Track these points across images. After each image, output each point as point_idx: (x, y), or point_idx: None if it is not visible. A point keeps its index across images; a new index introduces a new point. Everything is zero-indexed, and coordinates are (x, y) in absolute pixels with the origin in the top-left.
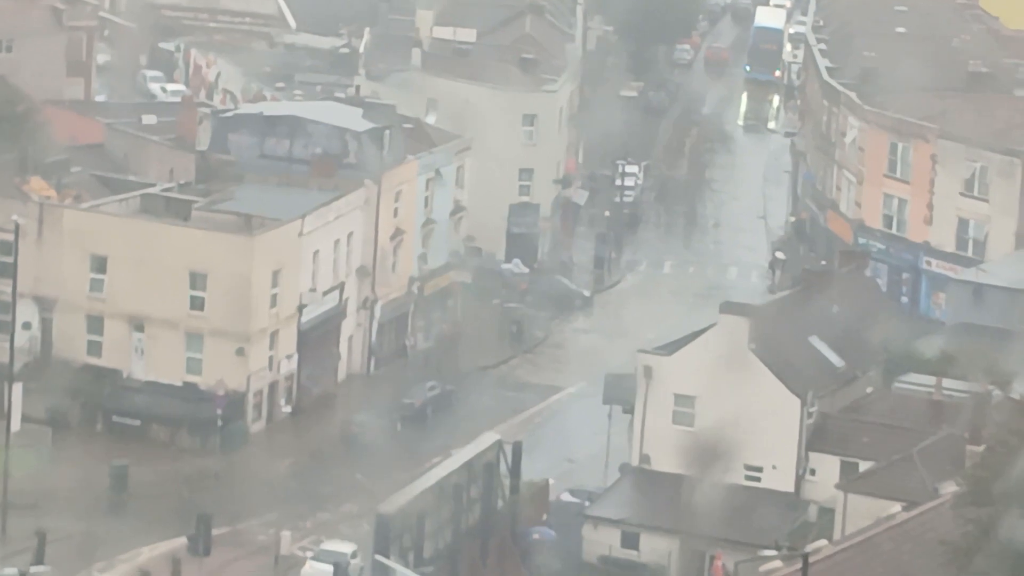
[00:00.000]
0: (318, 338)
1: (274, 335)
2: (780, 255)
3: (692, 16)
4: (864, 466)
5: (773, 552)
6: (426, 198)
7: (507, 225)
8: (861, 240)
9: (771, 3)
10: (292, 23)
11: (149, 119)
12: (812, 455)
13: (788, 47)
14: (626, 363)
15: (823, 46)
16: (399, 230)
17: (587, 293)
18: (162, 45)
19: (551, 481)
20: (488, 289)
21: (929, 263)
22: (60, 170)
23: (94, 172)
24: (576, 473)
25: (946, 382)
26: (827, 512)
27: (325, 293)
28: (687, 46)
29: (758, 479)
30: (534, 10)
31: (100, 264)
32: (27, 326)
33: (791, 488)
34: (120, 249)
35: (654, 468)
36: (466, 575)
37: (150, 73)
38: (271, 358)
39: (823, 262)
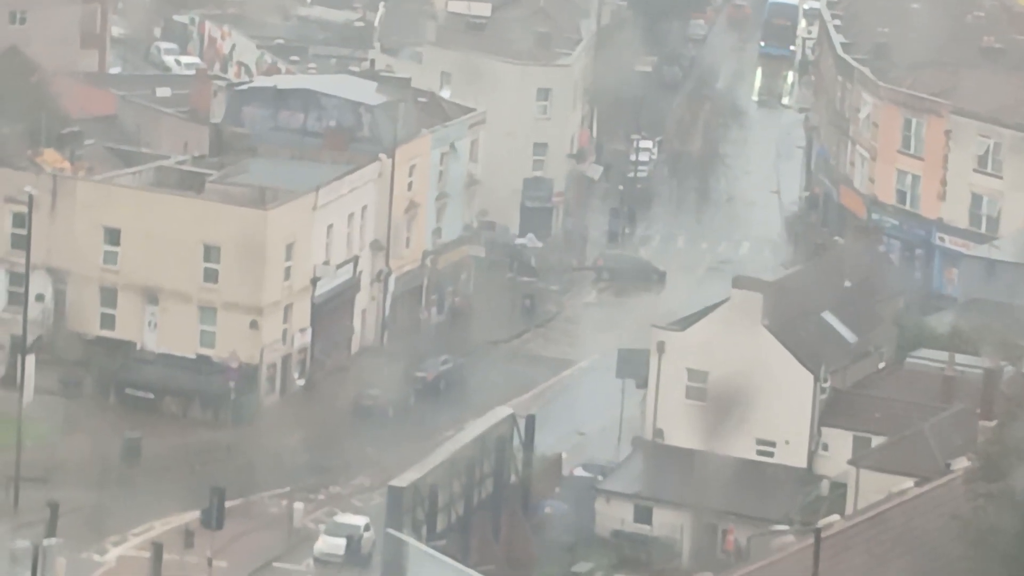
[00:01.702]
0: (332, 311)
1: (287, 308)
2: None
3: None
4: (876, 441)
5: (785, 527)
6: (440, 172)
7: (521, 199)
8: (874, 216)
9: None
10: None
11: (163, 91)
12: (825, 430)
13: (803, 22)
14: (639, 338)
15: (838, 22)
16: (413, 204)
17: (662, 268)
18: (176, 17)
19: (564, 455)
20: (502, 263)
21: (942, 239)
22: (73, 142)
23: (107, 144)
24: (589, 447)
25: (958, 357)
26: (839, 487)
27: (339, 266)
28: (701, 21)
29: (771, 454)
30: None
31: (113, 236)
32: (40, 298)
33: (803, 463)
34: (133, 221)
35: (667, 442)
36: (478, 549)
37: (164, 45)
38: (284, 331)
39: (836, 237)
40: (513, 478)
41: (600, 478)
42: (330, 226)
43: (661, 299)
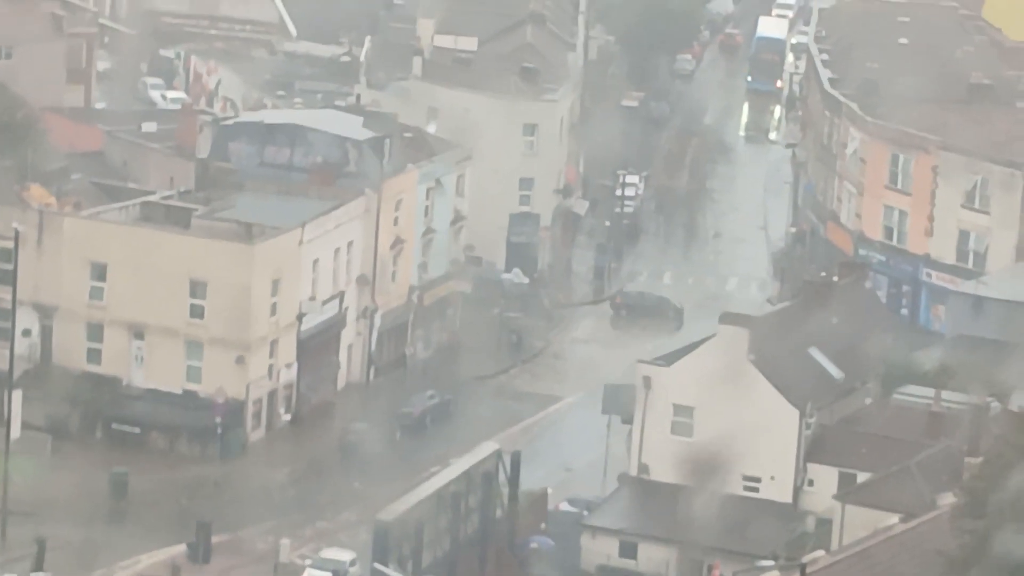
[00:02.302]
0: (317, 347)
1: (274, 343)
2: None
3: (694, 26)
4: (862, 477)
5: (771, 563)
6: (426, 207)
7: (507, 235)
8: (861, 251)
9: (773, 13)
10: (293, 31)
11: (149, 126)
12: (810, 466)
13: (790, 57)
14: (625, 374)
15: (825, 56)
16: (399, 239)
17: (679, 305)
18: (163, 52)
19: (549, 490)
20: (488, 299)
21: (929, 275)
22: (60, 177)
23: (94, 179)
24: (574, 482)
25: (945, 394)
26: (825, 523)
27: (325, 302)
28: (688, 56)
29: (756, 490)
30: (535, 19)
31: (100, 272)
32: (27, 333)
33: (789, 499)
34: (120, 257)
35: (653, 478)
36: None
37: (150, 80)
38: (271, 366)
39: (823, 273)
40: (499, 513)
41: (586, 513)
42: (316, 261)
43: (651, 335)
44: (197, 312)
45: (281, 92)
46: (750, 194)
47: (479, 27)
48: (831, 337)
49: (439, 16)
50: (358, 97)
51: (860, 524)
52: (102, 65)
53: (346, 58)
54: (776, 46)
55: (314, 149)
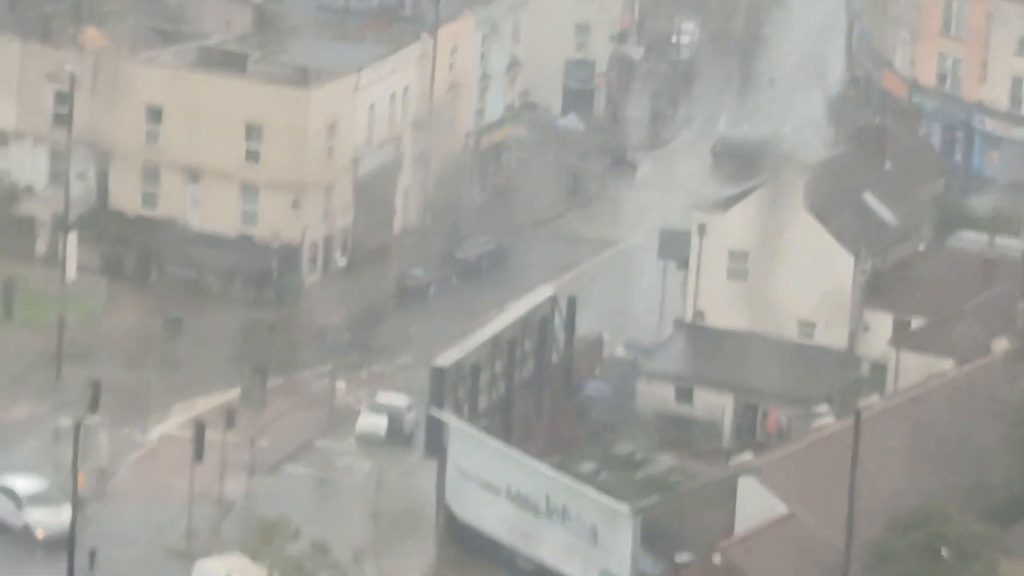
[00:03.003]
0: (374, 191)
1: (329, 188)
2: None
3: None
4: (917, 323)
5: (826, 408)
6: (482, 53)
7: (563, 80)
8: (915, 98)
9: None
10: None
11: None
12: (865, 312)
13: None
14: (681, 219)
15: None
16: (455, 84)
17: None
18: None
19: (605, 336)
20: (543, 144)
21: (982, 121)
22: (115, 20)
23: (149, 23)
24: (630, 328)
25: (998, 239)
26: (879, 368)
27: (381, 147)
28: None
29: (811, 335)
30: None
31: (156, 115)
32: (82, 176)
33: (844, 344)
34: (176, 100)
35: (708, 324)
36: (520, 428)
37: None
38: (326, 210)
39: (877, 120)
40: (554, 358)
41: (641, 359)
42: (372, 106)
43: (703, 183)
44: (253, 156)
45: None
46: (805, 41)
47: None
48: (885, 183)
49: None
50: None
51: (914, 369)
52: None
53: None
54: None
55: None
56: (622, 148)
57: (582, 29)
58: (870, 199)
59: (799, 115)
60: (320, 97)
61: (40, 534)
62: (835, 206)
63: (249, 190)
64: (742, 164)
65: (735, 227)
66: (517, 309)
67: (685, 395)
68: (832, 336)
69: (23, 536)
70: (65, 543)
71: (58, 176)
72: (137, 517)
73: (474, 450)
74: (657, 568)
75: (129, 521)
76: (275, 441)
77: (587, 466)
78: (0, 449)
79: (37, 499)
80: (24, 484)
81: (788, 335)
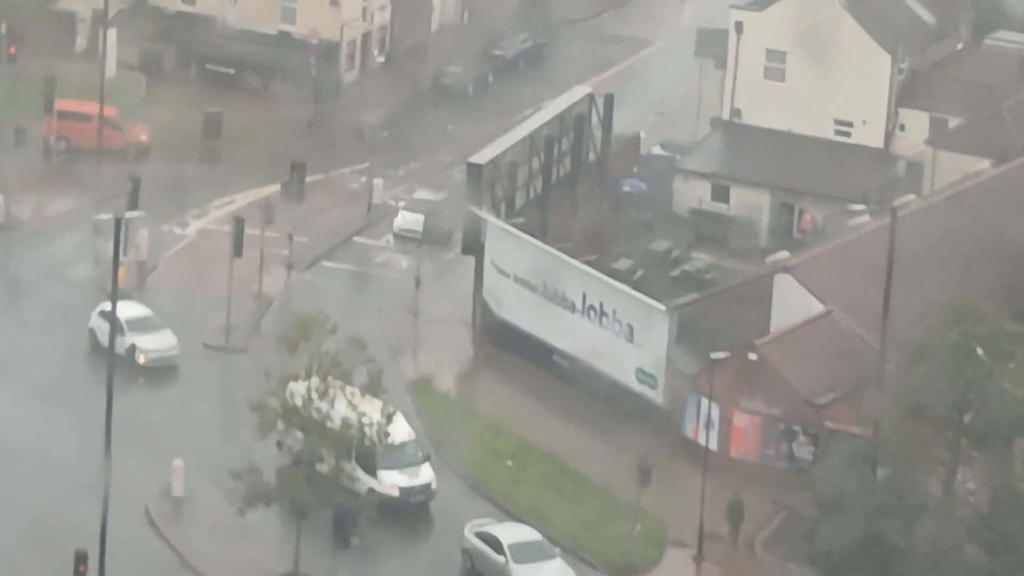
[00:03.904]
0: None
1: None
2: None
3: None
4: (953, 122)
5: (862, 206)
6: None
7: None
8: None
9: None
10: None
11: None
12: (902, 111)
13: None
14: (718, 17)
15: None
16: None
17: None
18: None
19: (642, 134)
20: None
21: None
22: None
23: None
24: (667, 126)
25: None
26: (915, 167)
27: None
28: None
29: (848, 134)
30: None
31: None
32: None
33: (880, 143)
34: None
35: (745, 122)
36: (557, 225)
37: None
38: (364, 8)
39: None
40: (592, 156)
41: (678, 157)
42: None
43: None
44: None
45: None
46: None
47: None
48: None
49: None
50: None
51: (951, 168)
52: None
53: None
54: None
55: None
56: None
57: None
58: None
59: None
60: None
61: (141, 359)
62: (872, 4)
63: None
64: None
65: (772, 26)
66: (554, 107)
67: (722, 193)
68: (869, 135)
69: (125, 360)
70: (167, 370)
71: None
72: (176, 311)
73: (511, 247)
74: (693, 365)
75: (168, 315)
76: (313, 237)
77: (623, 263)
78: (42, 242)
79: (138, 324)
80: (127, 310)
81: (825, 133)
